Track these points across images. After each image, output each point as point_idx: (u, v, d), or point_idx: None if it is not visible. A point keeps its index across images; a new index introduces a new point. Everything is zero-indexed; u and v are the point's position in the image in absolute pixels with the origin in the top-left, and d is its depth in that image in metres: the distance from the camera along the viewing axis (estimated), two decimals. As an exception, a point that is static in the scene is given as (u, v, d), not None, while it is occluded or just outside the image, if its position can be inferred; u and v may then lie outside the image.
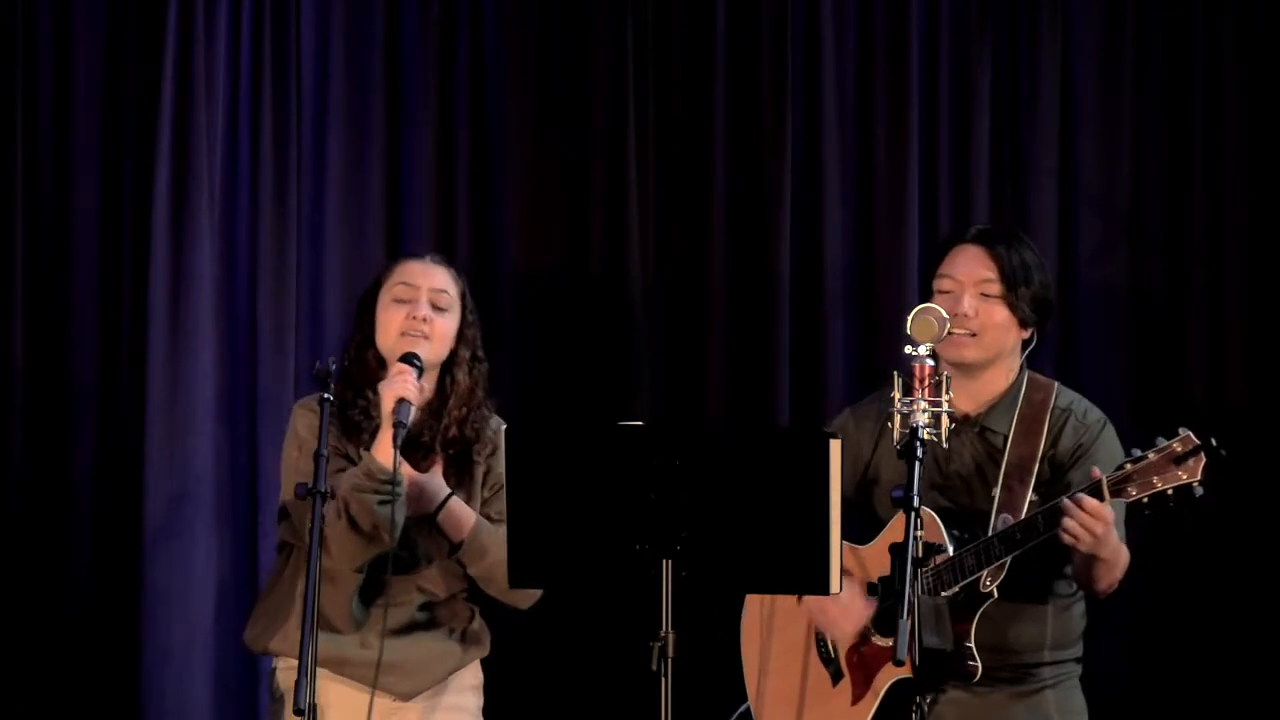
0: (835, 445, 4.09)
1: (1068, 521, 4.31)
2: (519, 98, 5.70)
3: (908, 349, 4.25)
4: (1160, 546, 5.55)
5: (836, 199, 5.70)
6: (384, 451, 4.44)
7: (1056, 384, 4.67)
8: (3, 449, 5.51)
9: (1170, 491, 4.29)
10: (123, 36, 5.58)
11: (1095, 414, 4.63)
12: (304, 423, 4.64)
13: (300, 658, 4.11)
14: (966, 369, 4.57)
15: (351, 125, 5.66)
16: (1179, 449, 4.28)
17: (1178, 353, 5.70)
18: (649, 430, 4.44)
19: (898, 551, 4.09)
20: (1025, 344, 4.66)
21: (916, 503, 4.11)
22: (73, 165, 5.56)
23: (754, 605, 4.80)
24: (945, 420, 4.20)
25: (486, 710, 5.01)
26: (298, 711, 4.10)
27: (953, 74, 5.74)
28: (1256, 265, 5.69)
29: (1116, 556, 4.46)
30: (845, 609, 4.58)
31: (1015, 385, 4.64)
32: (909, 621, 4.01)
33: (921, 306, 4.33)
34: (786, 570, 4.18)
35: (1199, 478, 4.27)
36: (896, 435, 4.22)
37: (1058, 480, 4.54)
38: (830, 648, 4.65)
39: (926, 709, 4.35)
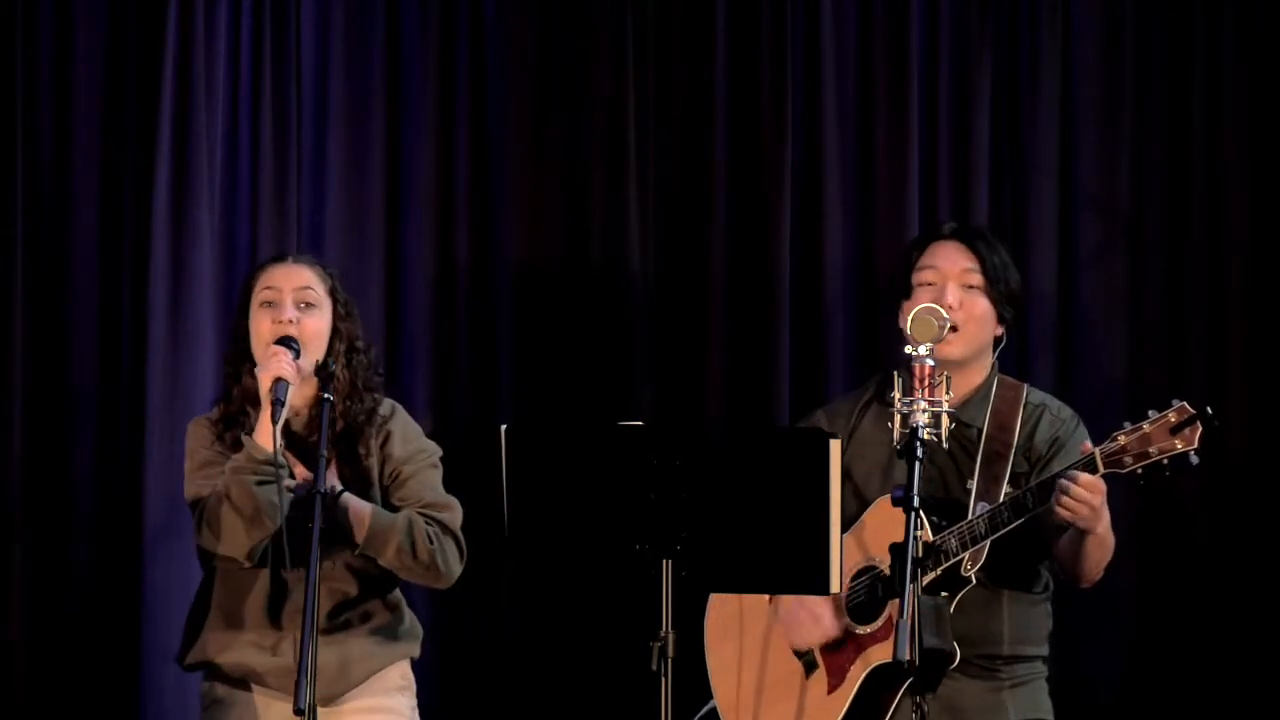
0: (835, 445, 4.09)
1: (1064, 498, 4.32)
2: (519, 98, 5.70)
3: (908, 349, 4.26)
4: (1156, 550, 5.56)
5: (836, 199, 5.70)
6: (264, 434, 4.38)
7: (1025, 384, 4.71)
8: (3, 449, 5.50)
9: (1166, 461, 4.31)
10: (123, 36, 5.58)
11: (1068, 411, 4.68)
12: (195, 437, 4.61)
13: (300, 658, 4.09)
14: (954, 362, 4.57)
15: (351, 125, 5.66)
16: (1174, 419, 4.31)
17: (1177, 353, 5.70)
18: (649, 430, 4.44)
19: (898, 551, 4.09)
20: (996, 343, 4.68)
21: (916, 503, 4.11)
22: (73, 165, 5.55)
23: (716, 605, 4.79)
24: (945, 420, 4.21)
25: (485, 710, 5.01)
26: (298, 711, 4.08)
27: (953, 74, 5.74)
28: (1256, 266, 5.68)
29: (1108, 535, 4.46)
30: (816, 618, 4.58)
31: (988, 381, 4.67)
32: (909, 621, 4.00)
33: (921, 306, 4.34)
34: (786, 570, 4.19)
35: (1195, 446, 4.30)
36: (896, 435, 4.22)
37: (1035, 473, 4.55)
38: None
39: (926, 709, 4.35)
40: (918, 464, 4.15)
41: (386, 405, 4.70)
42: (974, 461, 4.58)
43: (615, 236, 5.69)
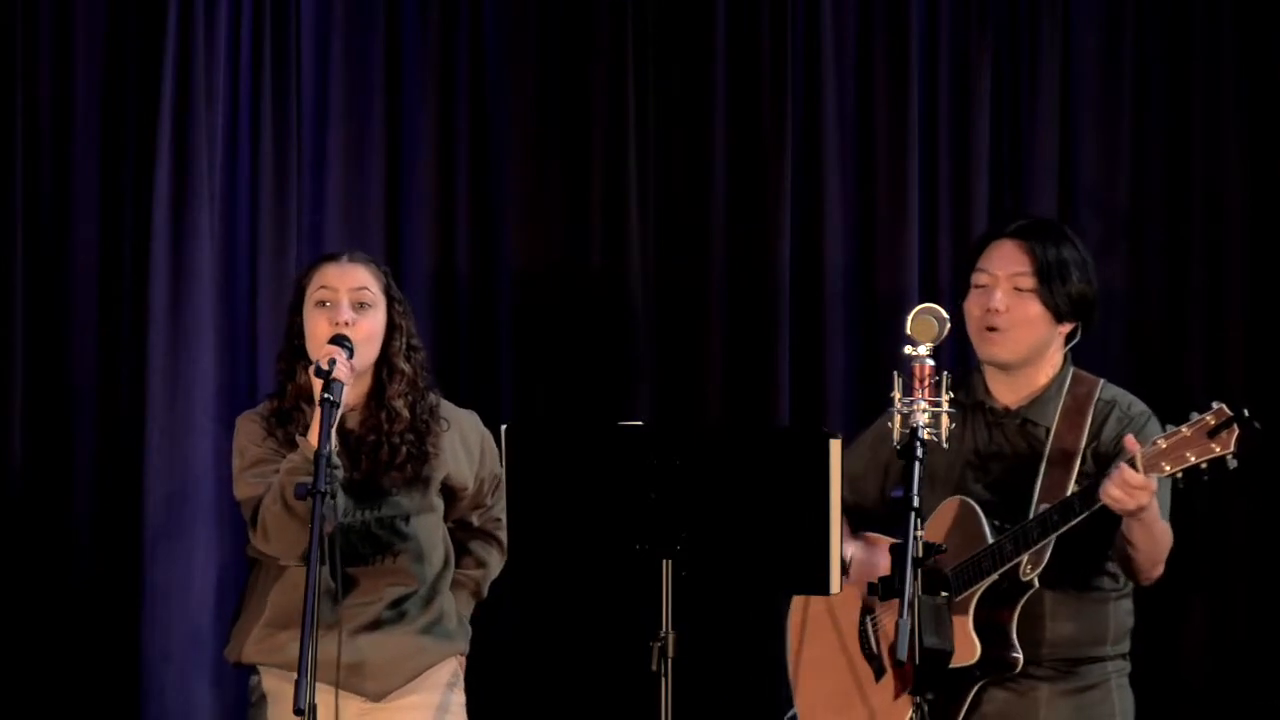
0: (835, 445, 4.09)
1: (1113, 490, 4.28)
2: (519, 97, 5.70)
3: (908, 349, 4.25)
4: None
5: (837, 199, 5.71)
6: (318, 435, 4.34)
7: (1102, 380, 4.64)
8: (3, 449, 5.50)
9: (1204, 465, 4.27)
10: (123, 37, 5.58)
11: (1140, 406, 4.60)
12: (246, 433, 4.60)
13: (300, 658, 4.08)
14: (1003, 365, 4.57)
15: (351, 125, 5.66)
16: (1212, 421, 4.25)
17: (1178, 353, 5.71)
18: (649, 430, 4.44)
19: (898, 552, 4.09)
20: (1069, 338, 4.64)
21: (916, 503, 4.10)
22: (72, 165, 5.56)
23: (797, 609, 4.79)
24: (945, 420, 4.20)
25: (485, 711, 5.00)
26: (298, 711, 4.07)
27: (953, 74, 5.74)
28: (1256, 265, 5.69)
29: (1155, 524, 4.42)
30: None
31: (1059, 379, 4.61)
32: (909, 621, 4.00)
33: (921, 306, 4.32)
34: (786, 570, 4.19)
35: (1232, 449, 4.25)
36: (896, 435, 4.22)
37: (1103, 472, 4.50)
38: (874, 644, 4.65)
39: (926, 710, 4.35)
40: (918, 465, 4.14)
41: (449, 407, 4.72)
42: (1041, 462, 4.56)
43: (615, 235, 5.69)
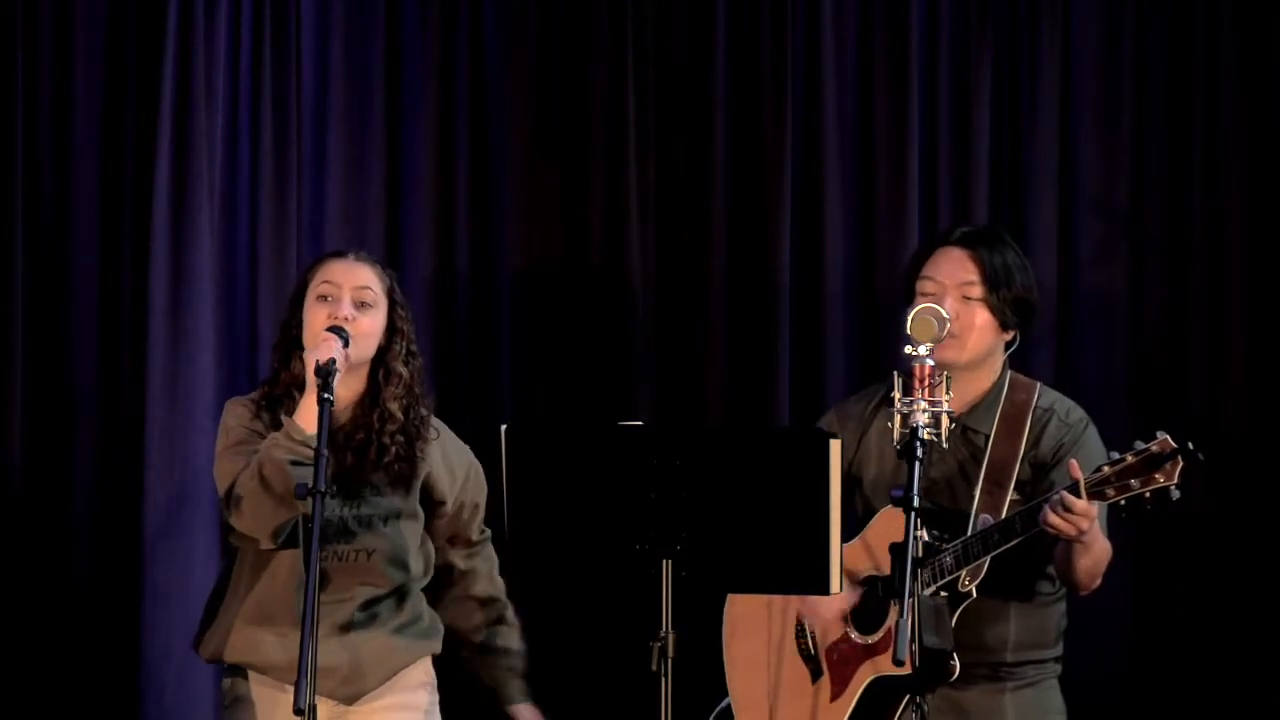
0: (835, 445, 4.10)
1: (1053, 519, 4.30)
2: (519, 98, 5.70)
3: (908, 349, 4.25)
4: (1156, 548, 5.56)
5: (836, 200, 5.70)
6: (305, 415, 4.36)
7: (1039, 384, 4.67)
8: (3, 449, 5.50)
9: (1148, 495, 4.28)
10: (123, 36, 5.58)
11: (1078, 414, 4.64)
12: (233, 415, 4.59)
13: (300, 658, 4.08)
14: (949, 367, 4.57)
15: (351, 125, 5.66)
16: (1156, 451, 4.28)
17: (1178, 354, 5.70)
18: (649, 430, 4.44)
19: (898, 551, 4.09)
20: (1008, 345, 4.66)
21: (916, 503, 4.11)
22: (73, 165, 5.56)
23: (735, 604, 4.79)
24: (945, 420, 4.20)
25: (485, 711, 5.00)
26: (298, 711, 4.07)
27: (953, 74, 5.74)
28: (1257, 266, 5.68)
29: (1095, 543, 4.44)
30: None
31: (997, 385, 4.64)
32: (909, 622, 4.00)
33: (921, 306, 4.33)
34: (786, 570, 4.19)
35: (1175, 481, 4.26)
36: (896, 435, 4.22)
37: (1040, 480, 4.54)
38: (810, 644, 4.66)
39: (926, 709, 4.35)
40: (918, 465, 4.14)
41: (437, 423, 4.70)
42: (980, 469, 4.56)
43: (615, 235, 5.69)
